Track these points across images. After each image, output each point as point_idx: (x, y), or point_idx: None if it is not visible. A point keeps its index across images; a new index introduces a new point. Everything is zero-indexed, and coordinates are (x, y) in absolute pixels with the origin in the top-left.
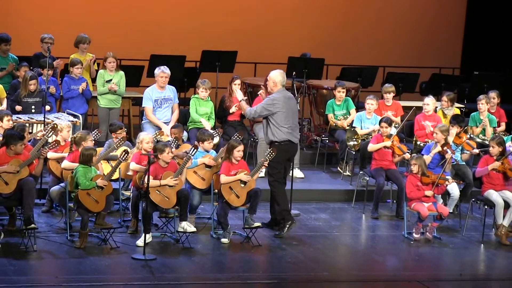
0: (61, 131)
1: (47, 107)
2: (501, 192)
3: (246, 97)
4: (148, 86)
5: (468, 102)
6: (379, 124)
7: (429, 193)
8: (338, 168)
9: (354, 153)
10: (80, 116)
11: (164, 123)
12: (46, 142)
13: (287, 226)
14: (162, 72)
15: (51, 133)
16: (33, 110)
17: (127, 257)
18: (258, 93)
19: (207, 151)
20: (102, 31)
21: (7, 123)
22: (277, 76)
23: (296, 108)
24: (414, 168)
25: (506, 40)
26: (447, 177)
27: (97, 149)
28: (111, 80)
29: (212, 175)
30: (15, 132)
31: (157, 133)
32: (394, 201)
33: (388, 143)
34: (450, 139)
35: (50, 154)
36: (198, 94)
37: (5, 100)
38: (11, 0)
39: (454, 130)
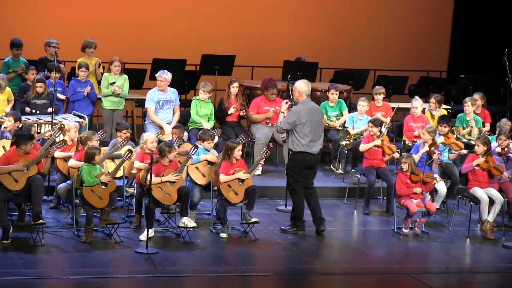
0: (68, 131)
1: (50, 109)
2: (486, 189)
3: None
4: (150, 89)
5: (454, 103)
6: (368, 124)
7: (417, 190)
8: (331, 167)
9: (346, 152)
10: (86, 117)
11: (166, 123)
12: (53, 141)
13: (295, 230)
14: (160, 76)
15: (58, 133)
16: (38, 112)
17: (131, 251)
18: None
19: (208, 150)
20: (107, 37)
21: (10, 123)
22: (302, 86)
23: (319, 118)
24: (404, 166)
25: (490, 45)
26: (435, 175)
27: (102, 148)
28: (114, 82)
29: (212, 172)
30: (25, 132)
31: (159, 133)
32: (384, 198)
33: (378, 142)
34: (439, 138)
35: (58, 153)
36: (199, 96)
37: (12, 102)
38: (20, 7)
39: (443, 129)
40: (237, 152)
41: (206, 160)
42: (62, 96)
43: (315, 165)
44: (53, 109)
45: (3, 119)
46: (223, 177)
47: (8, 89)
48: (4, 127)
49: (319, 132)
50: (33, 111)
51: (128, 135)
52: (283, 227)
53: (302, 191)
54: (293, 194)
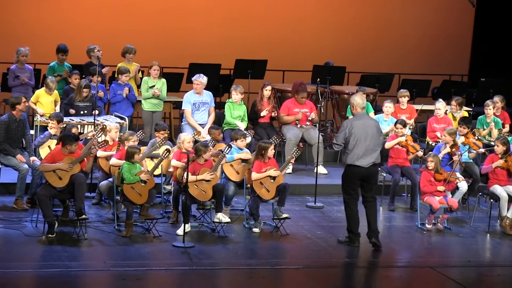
0: (109, 132)
1: (96, 111)
2: (505, 187)
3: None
4: (187, 91)
5: (475, 106)
6: (395, 125)
7: (441, 188)
8: None
9: None
10: (126, 118)
11: (202, 124)
12: (96, 141)
13: (347, 242)
14: (196, 80)
15: (100, 133)
16: (84, 112)
17: (168, 245)
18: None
19: (241, 149)
20: (147, 43)
21: (53, 125)
22: (355, 99)
23: (374, 132)
24: (430, 165)
25: (509, 50)
26: (458, 175)
27: (141, 148)
28: (154, 86)
29: (245, 170)
30: (71, 134)
31: (195, 134)
32: (409, 195)
33: (402, 138)
34: (460, 139)
35: (100, 153)
36: (232, 98)
37: (59, 103)
38: (65, 15)
39: (463, 130)
40: (270, 152)
41: (240, 158)
42: (101, 93)
43: (369, 178)
44: (97, 111)
45: (48, 120)
46: (255, 175)
47: (55, 91)
48: (53, 131)
49: (372, 146)
50: (80, 111)
51: (166, 136)
52: (339, 238)
53: (355, 203)
54: (345, 207)
